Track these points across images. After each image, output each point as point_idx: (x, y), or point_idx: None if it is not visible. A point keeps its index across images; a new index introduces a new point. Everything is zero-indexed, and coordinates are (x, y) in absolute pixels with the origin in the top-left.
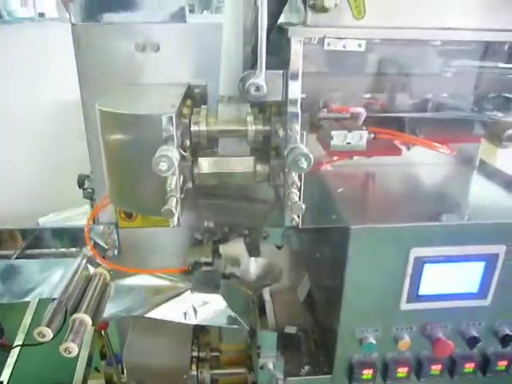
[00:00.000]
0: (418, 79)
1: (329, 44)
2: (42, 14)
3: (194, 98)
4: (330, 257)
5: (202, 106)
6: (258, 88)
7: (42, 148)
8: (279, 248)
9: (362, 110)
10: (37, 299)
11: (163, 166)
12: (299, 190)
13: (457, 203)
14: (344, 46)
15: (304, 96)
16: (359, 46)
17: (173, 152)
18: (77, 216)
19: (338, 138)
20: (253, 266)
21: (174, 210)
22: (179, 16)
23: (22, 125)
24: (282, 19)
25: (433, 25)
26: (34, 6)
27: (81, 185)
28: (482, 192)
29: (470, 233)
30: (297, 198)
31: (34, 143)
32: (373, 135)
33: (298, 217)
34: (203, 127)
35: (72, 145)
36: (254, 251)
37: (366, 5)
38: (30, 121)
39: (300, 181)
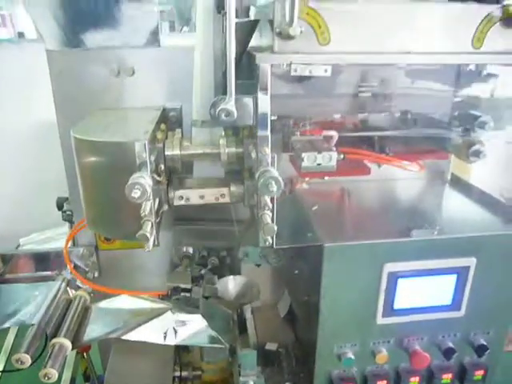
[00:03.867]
0: (387, 99)
1: (295, 70)
2: (21, 34)
3: (169, 120)
4: (306, 273)
5: (177, 130)
6: (228, 113)
7: (24, 168)
8: (258, 265)
9: (334, 133)
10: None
11: (136, 193)
12: (272, 212)
13: (427, 218)
14: (310, 72)
15: (275, 118)
16: (325, 71)
17: (146, 179)
18: (59, 235)
19: (309, 159)
20: (231, 285)
21: (148, 235)
22: (153, 40)
23: (2, 144)
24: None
25: (395, 49)
26: (13, 27)
27: (60, 207)
28: (452, 206)
29: (440, 247)
30: (269, 220)
31: (16, 163)
32: (342, 156)
33: (272, 238)
34: (177, 151)
35: (54, 165)
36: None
37: (330, 31)
38: (11, 140)
39: (272, 202)
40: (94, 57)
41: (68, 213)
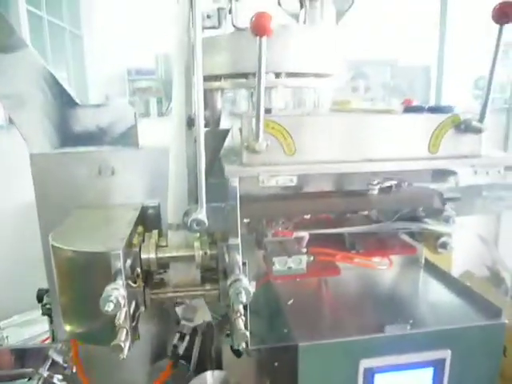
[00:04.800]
0: (357, 197)
1: (263, 181)
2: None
3: (147, 217)
4: (285, 367)
5: (153, 232)
6: (199, 223)
7: (5, 249)
8: (238, 356)
9: (304, 234)
10: None
11: (109, 306)
12: (245, 317)
13: (400, 310)
14: (277, 182)
15: (247, 221)
16: (291, 181)
17: (119, 290)
18: (39, 317)
19: (280, 263)
20: (210, 380)
21: (122, 345)
22: (132, 142)
23: None
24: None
25: (357, 157)
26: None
27: (40, 300)
28: (425, 295)
29: (414, 341)
30: (242, 326)
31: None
32: (312, 258)
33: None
34: (152, 255)
35: (35, 247)
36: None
37: (295, 142)
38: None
39: (245, 308)
40: (76, 158)
41: (48, 306)
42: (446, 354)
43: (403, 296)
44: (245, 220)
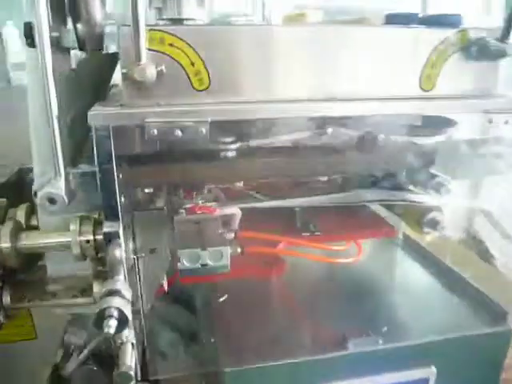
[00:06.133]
0: (311, 154)
1: (153, 132)
2: None
3: (28, 184)
4: None
5: (20, 206)
6: (52, 200)
7: None
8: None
9: (235, 211)
10: None
11: None
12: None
13: (369, 315)
14: (176, 135)
15: (149, 191)
16: (200, 132)
17: None
18: None
19: (189, 258)
20: None
21: None
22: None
23: None
24: None
25: (311, 95)
26: None
27: None
28: (403, 288)
29: (387, 359)
30: (127, 359)
31: None
32: (240, 250)
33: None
34: (7, 243)
35: None
36: None
37: (210, 71)
38: None
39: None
40: None
41: None
42: (430, 372)
43: (372, 292)
44: (146, 190)
